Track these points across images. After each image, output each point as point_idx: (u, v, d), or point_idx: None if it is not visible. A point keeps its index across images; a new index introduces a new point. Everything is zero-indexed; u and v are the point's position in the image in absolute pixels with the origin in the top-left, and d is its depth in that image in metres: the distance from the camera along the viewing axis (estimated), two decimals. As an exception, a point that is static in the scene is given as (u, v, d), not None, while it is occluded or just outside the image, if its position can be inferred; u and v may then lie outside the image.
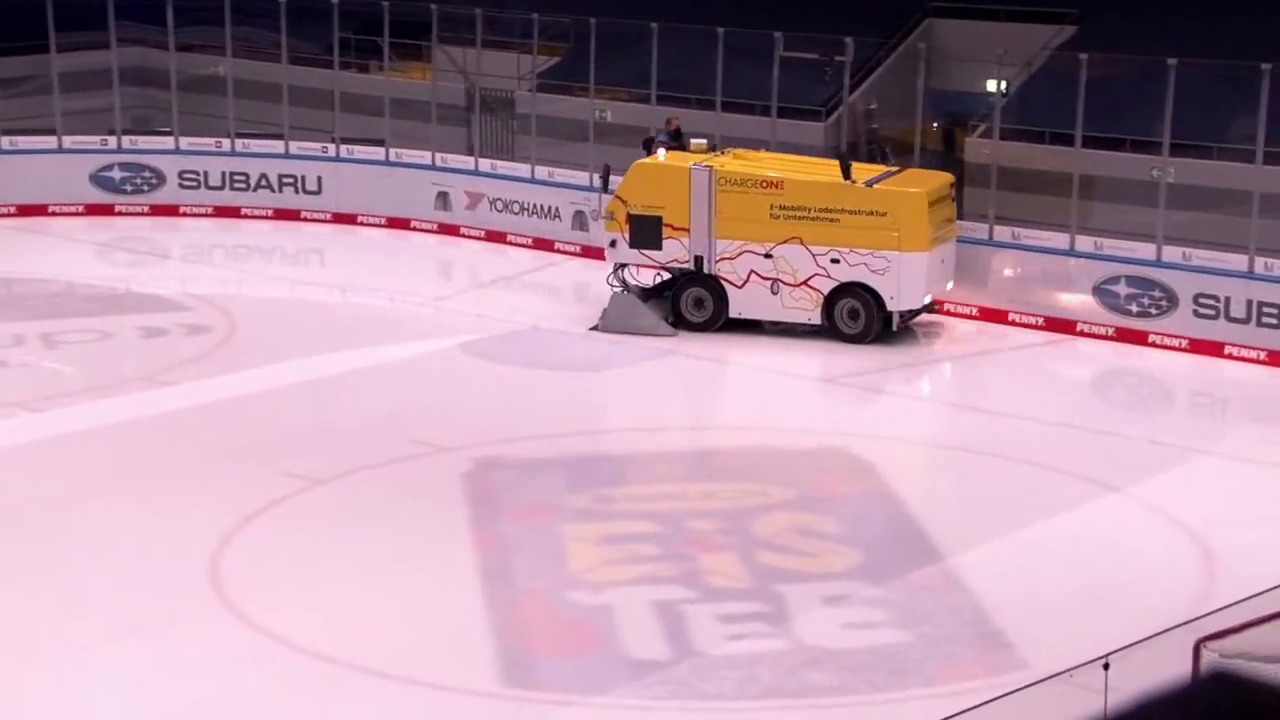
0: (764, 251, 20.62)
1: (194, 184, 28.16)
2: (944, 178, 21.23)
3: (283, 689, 12.09)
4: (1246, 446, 17.58)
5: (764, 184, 20.61)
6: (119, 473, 16.40)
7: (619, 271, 21.41)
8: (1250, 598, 9.69)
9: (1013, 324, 21.87)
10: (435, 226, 27.18)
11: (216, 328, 22.22)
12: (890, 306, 20.41)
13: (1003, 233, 22.23)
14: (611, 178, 22.28)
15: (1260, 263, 20.20)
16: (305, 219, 27.86)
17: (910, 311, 20.72)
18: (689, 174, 21.01)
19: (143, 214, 27.99)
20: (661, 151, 22.05)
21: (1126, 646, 10.60)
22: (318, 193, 27.92)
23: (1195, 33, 22.80)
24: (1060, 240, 21.78)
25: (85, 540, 14.71)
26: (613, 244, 21.53)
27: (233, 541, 14.59)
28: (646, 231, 21.22)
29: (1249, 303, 20.14)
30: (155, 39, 29.50)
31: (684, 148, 22.07)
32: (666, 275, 21.42)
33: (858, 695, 11.93)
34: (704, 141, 22.11)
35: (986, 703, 9.16)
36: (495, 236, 26.61)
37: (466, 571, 14.02)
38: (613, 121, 27.03)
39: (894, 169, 21.75)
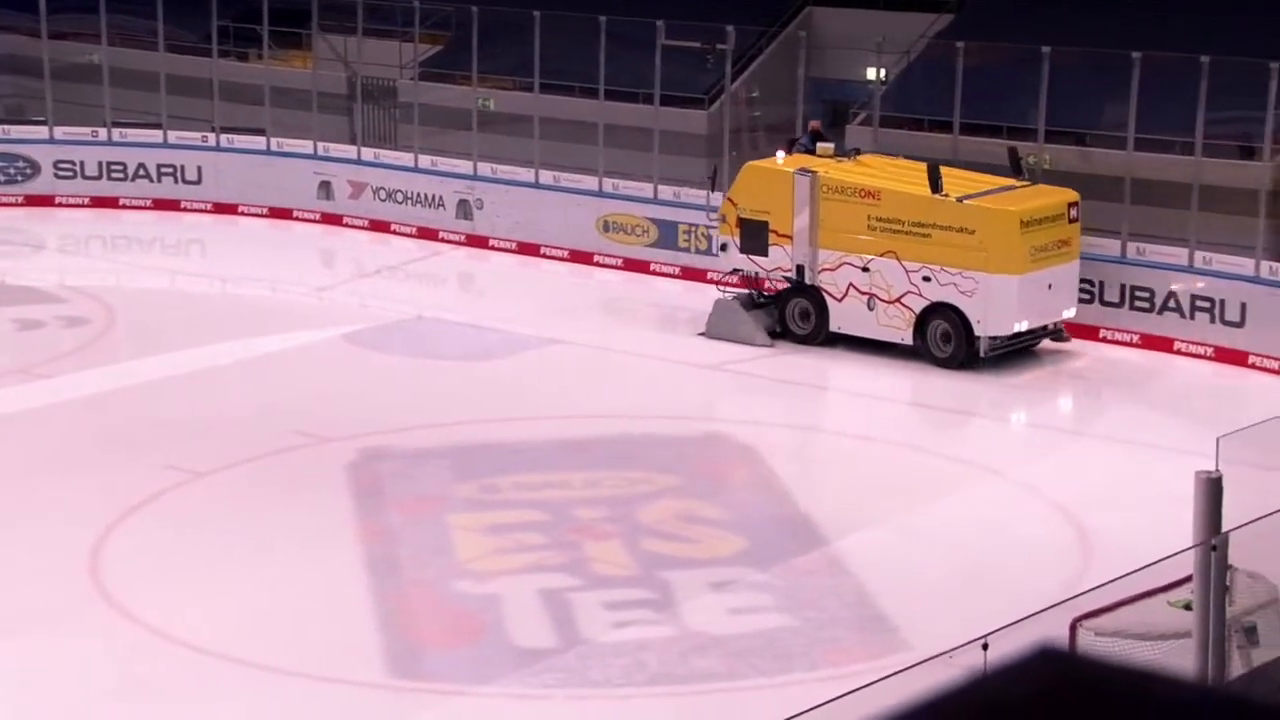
0: (861, 264, 19.37)
1: (70, 174, 27.62)
2: (1060, 196, 19.36)
3: (165, 684, 11.93)
4: (1122, 428, 17.96)
5: (862, 193, 19.36)
6: (-6, 468, 16.07)
7: (733, 275, 20.23)
8: (1124, 576, 9.88)
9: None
10: (318, 216, 26.91)
11: (95, 320, 21.84)
12: (977, 331, 18.69)
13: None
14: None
15: (1133, 247, 20.60)
16: (185, 209, 27.45)
17: (1010, 338, 18.80)
18: (793, 179, 19.80)
19: (17, 204, 27.40)
20: (780, 154, 20.60)
21: (1005, 626, 10.77)
22: (198, 183, 27.51)
23: (1069, 22, 23.16)
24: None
25: (-40, 538, 14.40)
26: (723, 248, 20.50)
27: (112, 535, 14.36)
28: (755, 237, 20.06)
29: (1123, 287, 20.53)
30: (28, 26, 28.88)
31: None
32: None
33: (744, 680, 12.02)
34: (830, 146, 20.77)
35: (867, 685, 9.25)
36: (379, 226, 26.40)
37: (352, 563, 13.92)
38: (496, 110, 26.93)
39: (1019, 184, 19.87)
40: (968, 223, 18.81)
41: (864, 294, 19.53)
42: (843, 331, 19.74)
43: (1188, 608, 8.70)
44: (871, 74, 24.70)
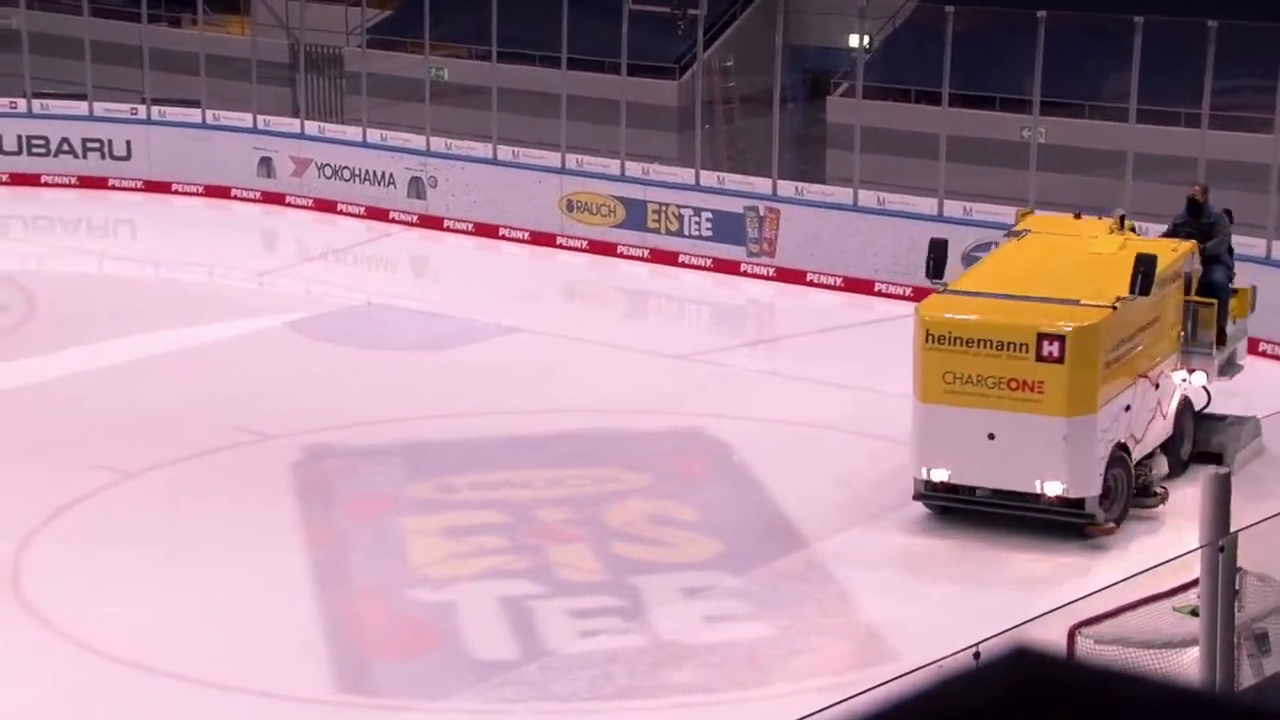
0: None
1: (-13, 149, 27.44)
2: (1029, 319, 14.18)
3: (92, 701, 11.88)
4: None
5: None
6: (-94, 469, 15.97)
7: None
8: (1126, 579, 9.93)
9: (880, 294, 22.16)
10: (258, 195, 26.81)
11: (13, 307, 21.71)
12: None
13: (867, 198, 22.51)
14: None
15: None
16: (113, 187, 27.30)
17: (939, 489, 14.49)
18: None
19: (-70, 182, 27.22)
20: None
21: (998, 634, 10.81)
22: (127, 158, 27.37)
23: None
24: (928, 205, 22.10)
25: None
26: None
27: (35, 540, 14.29)
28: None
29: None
30: (-60, -12, 28.72)
31: (1197, 220, 16.24)
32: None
33: (721, 693, 12.04)
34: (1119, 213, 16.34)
35: (853, 697, 9.28)
36: (324, 205, 26.33)
37: (296, 569, 13.89)
38: (450, 80, 26.88)
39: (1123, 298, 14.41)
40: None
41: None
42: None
43: (1194, 613, 8.75)
44: (854, 41, 24.75)
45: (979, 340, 13.95)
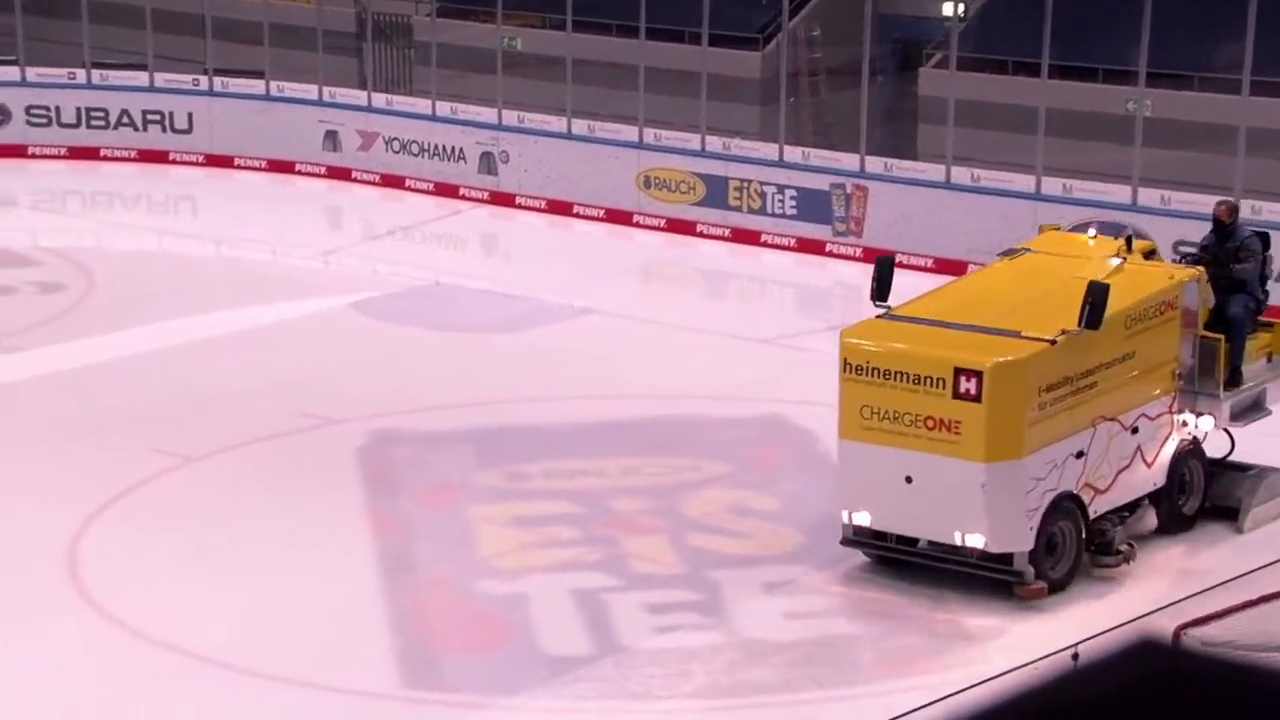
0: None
1: (44, 121, 27.78)
2: (946, 351, 13.19)
3: (152, 693, 12.03)
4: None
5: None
6: (-38, 451, 16.21)
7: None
8: (1236, 578, 9.82)
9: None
10: (323, 170, 26.98)
11: (72, 286, 21.98)
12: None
13: (960, 174, 22.38)
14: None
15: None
16: (174, 161, 27.57)
17: (869, 536, 13.66)
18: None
19: (-14, 156, 27.59)
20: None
21: (1098, 635, 10.76)
22: (188, 131, 27.62)
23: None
24: (1025, 182, 21.95)
25: (-76, 528, 14.56)
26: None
27: (94, 528, 14.47)
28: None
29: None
30: (-3, -45, 29.07)
31: (1222, 243, 14.84)
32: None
33: (801, 693, 12.03)
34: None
35: (945, 698, 9.29)
36: (392, 181, 26.46)
37: (362, 559, 13.99)
38: (523, 51, 26.94)
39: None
40: None
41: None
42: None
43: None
44: (948, 9, 24.59)
45: (895, 373, 13.01)
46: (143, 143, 27.70)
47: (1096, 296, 12.98)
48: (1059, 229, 15.93)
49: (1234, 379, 14.35)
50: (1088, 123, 22.74)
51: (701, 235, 24.00)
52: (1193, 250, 14.81)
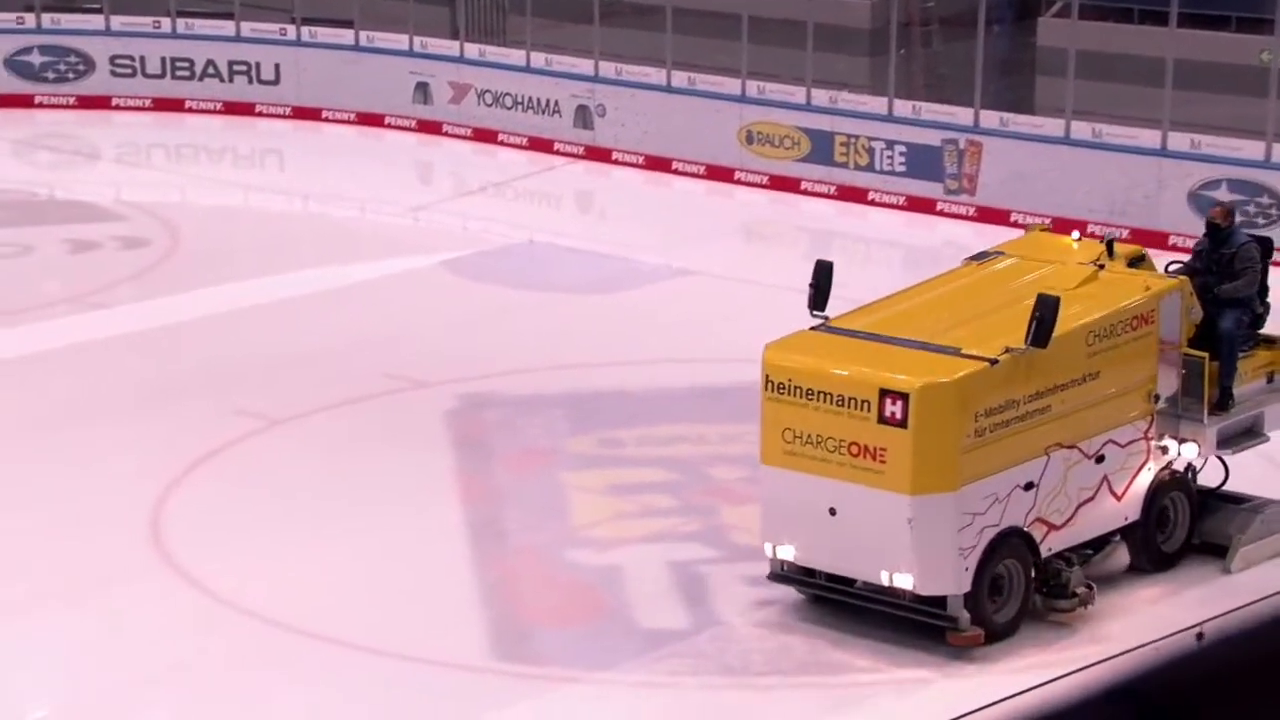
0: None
1: (128, 71, 28.04)
2: (876, 374, 12.25)
3: (233, 660, 12.15)
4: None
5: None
6: (42, 411, 16.42)
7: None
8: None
9: (1093, 237, 21.75)
10: (413, 123, 27.06)
11: (156, 241, 22.20)
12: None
13: (1081, 130, 22.11)
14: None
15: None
16: (260, 114, 27.75)
17: (796, 571, 12.70)
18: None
19: (68, 106, 27.89)
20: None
21: (1221, 615, 10.62)
22: (275, 83, 27.79)
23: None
24: (1151, 138, 21.68)
25: (3, 490, 14.75)
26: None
27: (177, 490, 14.63)
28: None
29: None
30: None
31: (1216, 250, 13.61)
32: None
33: (906, 670, 11.96)
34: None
35: (1059, 679, 9.18)
36: (484, 135, 26.50)
37: (450, 526, 14.06)
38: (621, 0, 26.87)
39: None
40: None
41: None
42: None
43: None
44: (1070, -46, 24.22)
45: (819, 393, 12.09)
46: (229, 94, 27.89)
47: (1045, 311, 11.94)
48: (1046, 229, 14.88)
49: (1223, 401, 13.14)
50: (1218, 74, 22.38)
51: (806, 193, 23.88)
52: (1182, 265, 13.61)
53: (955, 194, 23.00)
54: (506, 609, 12.91)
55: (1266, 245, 13.65)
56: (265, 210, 24.62)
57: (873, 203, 23.43)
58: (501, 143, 26.28)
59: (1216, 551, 13.17)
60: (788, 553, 12.42)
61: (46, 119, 27.63)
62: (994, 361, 11.94)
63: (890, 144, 23.39)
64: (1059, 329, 12.03)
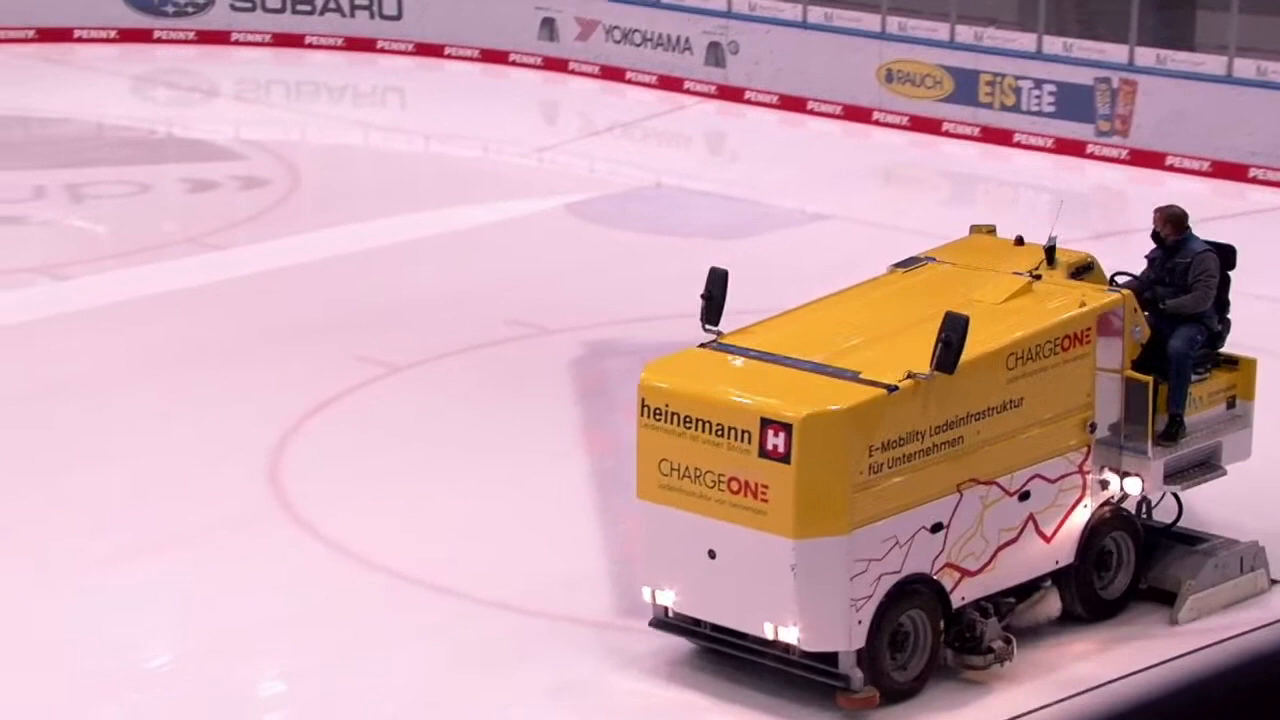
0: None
1: (248, 6, 28.32)
2: (763, 399, 11.21)
3: (354, 611, 12.29)
4: None
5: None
6: (158, 354, 16.68)
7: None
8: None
9: (1255, 182, 21.43)
10: (539, 61, 27.12)
11: (275, 181, 22.44)
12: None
13: (1244, 68, 21.75)
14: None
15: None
16: (382, 50, 27.93)
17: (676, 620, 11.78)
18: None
19: (187, 41, 28.23)
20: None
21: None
22: (397, 18, 27.95)
23: None
24: (1317, 79, 21.32)
25: (118, 434, 15.02)
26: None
27: (295, 436, 14.81)
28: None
29: None
30: None
31: (1168, 258, 12.52)
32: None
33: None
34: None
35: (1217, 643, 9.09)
36: (611, 73, 26.51)
37: (575, 478, 14.12)
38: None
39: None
40: None
41: None
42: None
43: None
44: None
45: (696, 421, 11.06)
46: (349, 30, 28.10)
47: (951, 332, 10.83)
48: (990, 231, 13.32)
49: (1172, 430, 12.00)
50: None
51: (948, 134, 23.69)
52: (1132, 278, 12.37)
53: (1107, 136, 22.71)
54: (632, 563, 12.95)
55: (1226, 253, 12.49)
56: (386, 150, 24.79)
57: (1019, 145, 23.20)
58: (630, 81, 26.27)
59: (1165, 599, 12.03)
60: (667, 598, 11.43)
61: (166, 54, 28.00)
62: (893, 388, 10.86)
63: (1038, 83, 23.13)
64: (972, 351, 10.94)
